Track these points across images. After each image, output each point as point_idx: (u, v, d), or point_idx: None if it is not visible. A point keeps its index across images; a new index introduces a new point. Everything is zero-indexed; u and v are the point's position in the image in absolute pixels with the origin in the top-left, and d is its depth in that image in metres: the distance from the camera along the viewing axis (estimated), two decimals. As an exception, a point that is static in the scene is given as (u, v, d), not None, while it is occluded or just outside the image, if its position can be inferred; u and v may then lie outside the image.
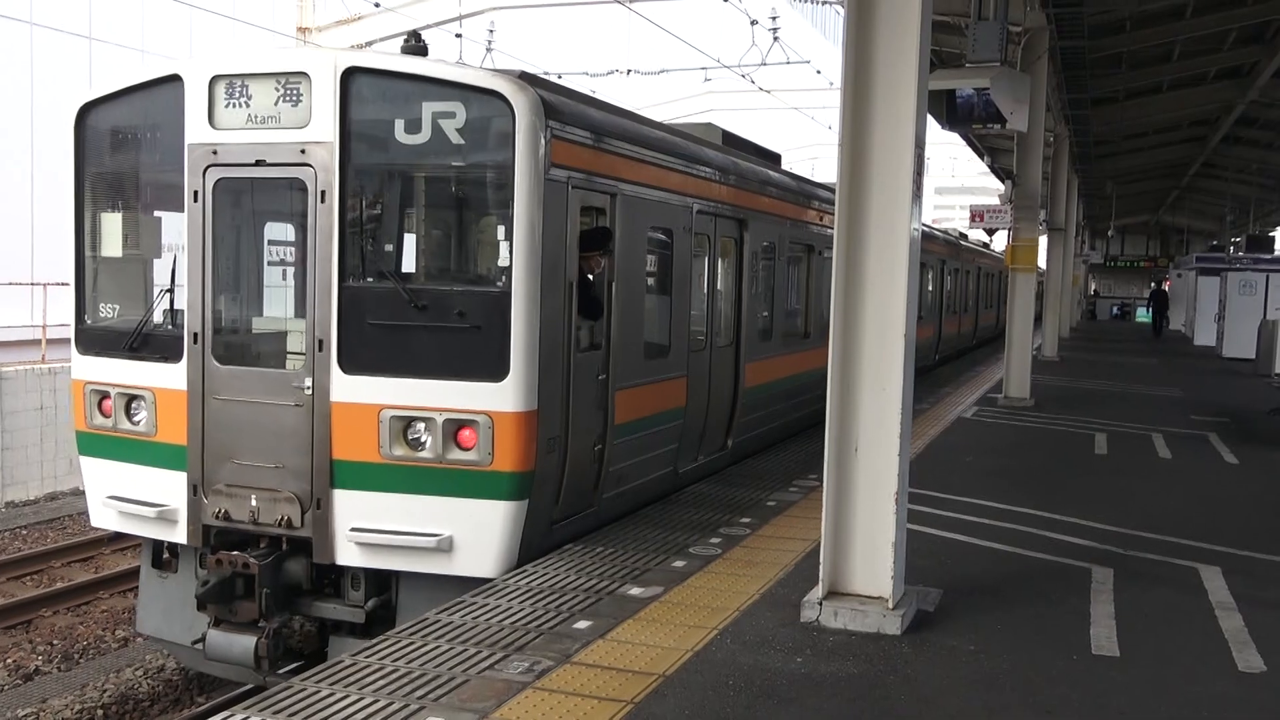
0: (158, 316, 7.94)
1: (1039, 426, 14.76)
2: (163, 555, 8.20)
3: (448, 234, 8.18)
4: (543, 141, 7.09)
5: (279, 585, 7.42)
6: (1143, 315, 48.82)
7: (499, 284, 7.17)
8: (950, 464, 11.64)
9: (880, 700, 5.24)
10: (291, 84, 7.27)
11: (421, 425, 7.09)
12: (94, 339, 8.13)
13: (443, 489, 7.11)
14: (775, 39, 21.97)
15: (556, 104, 7.44)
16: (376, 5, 22.50)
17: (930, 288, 23.74)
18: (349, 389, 7.19)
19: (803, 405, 13.19)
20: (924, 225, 28.87)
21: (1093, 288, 60.16)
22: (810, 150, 41.29)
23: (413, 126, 7.17)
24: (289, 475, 7.35)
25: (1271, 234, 44.42)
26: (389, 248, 7.83)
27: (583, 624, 6.12)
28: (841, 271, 6.19)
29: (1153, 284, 50.66)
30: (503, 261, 7.26)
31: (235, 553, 7.39)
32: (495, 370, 6.99)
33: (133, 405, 7.89)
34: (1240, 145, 32.99)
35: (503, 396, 6.98)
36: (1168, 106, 26.83)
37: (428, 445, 7.08)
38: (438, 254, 8.18)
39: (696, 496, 9.70)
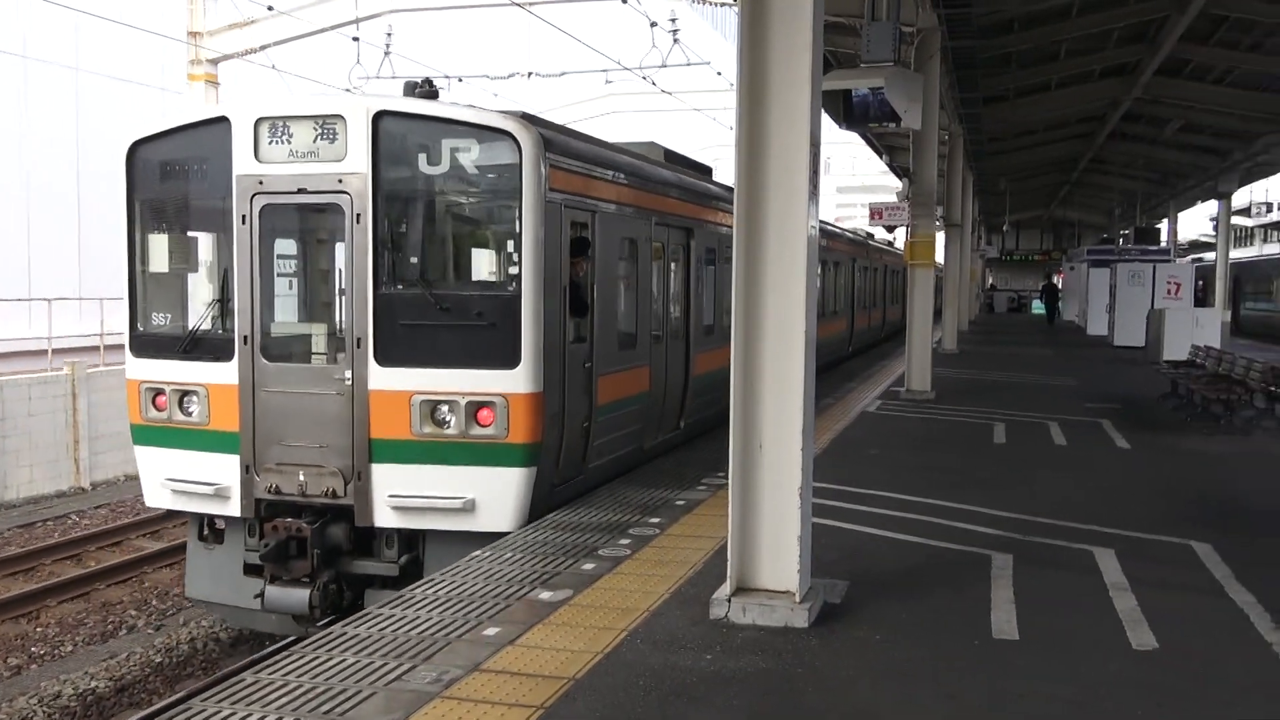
0: (207, 323, 9.18)
1: (941, 418, 15.08)
2: (207, 530, 9.48)
3: (465, 248, 9.52)
4: (542, 171, 8.58)
5: (326, 546, 8.75)
6: (1038, 307, 50.19)
7: (510, 288, 8.61)
8: (855, 458, 11.83)
9: (789, 693, 5.30)
10: (329, 124, 8.68)
11: (446, 407, 8.49)
12: (146, 344, 9.42)
13: (465, 459, 8.50)
14: (675, 41, 22.12)
15: (551, 139, 8.93)
16: (270, 9, 22.08)
17: (842, 284, 24.40)
18: (384, 379, 8.59)
19: None
20: (837, 226, 29.82)
21: (990, 281, 61.69)
22: (712, 151, 41.45)
23: (434, 159, 8.67)
24: (332, 453, 8.73)
25: (1158, 226, 45.95)
26: (415, 260, 8.97)
27: (492, 630, 6.08)
28: (741, 271, 6.25)
29: (1045, 278, 52.34)
30: (512, 270, 8.67)
31: (290, 520, 8.70)
32: (509, 359, 8.47)
33: (185, 399, 9.16)
34: (1126, 141, 34.14)
35: (515, 381, 8.45)
36: (1057, 104, 27.69)
37: (452, 423, 8.48)
38: (457, 264, 9.42)
39: (607, 497, 9.71)
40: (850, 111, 12.64)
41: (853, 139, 36.90)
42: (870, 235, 32.53)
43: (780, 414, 6.24)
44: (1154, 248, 38.14)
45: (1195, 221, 62.81)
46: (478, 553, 7.88)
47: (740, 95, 6.22)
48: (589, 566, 7.40)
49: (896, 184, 35.84)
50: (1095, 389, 19.02)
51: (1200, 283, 35.43)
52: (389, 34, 23.36)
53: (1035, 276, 56.89)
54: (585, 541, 8.10)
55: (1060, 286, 50.89)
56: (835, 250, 24.30)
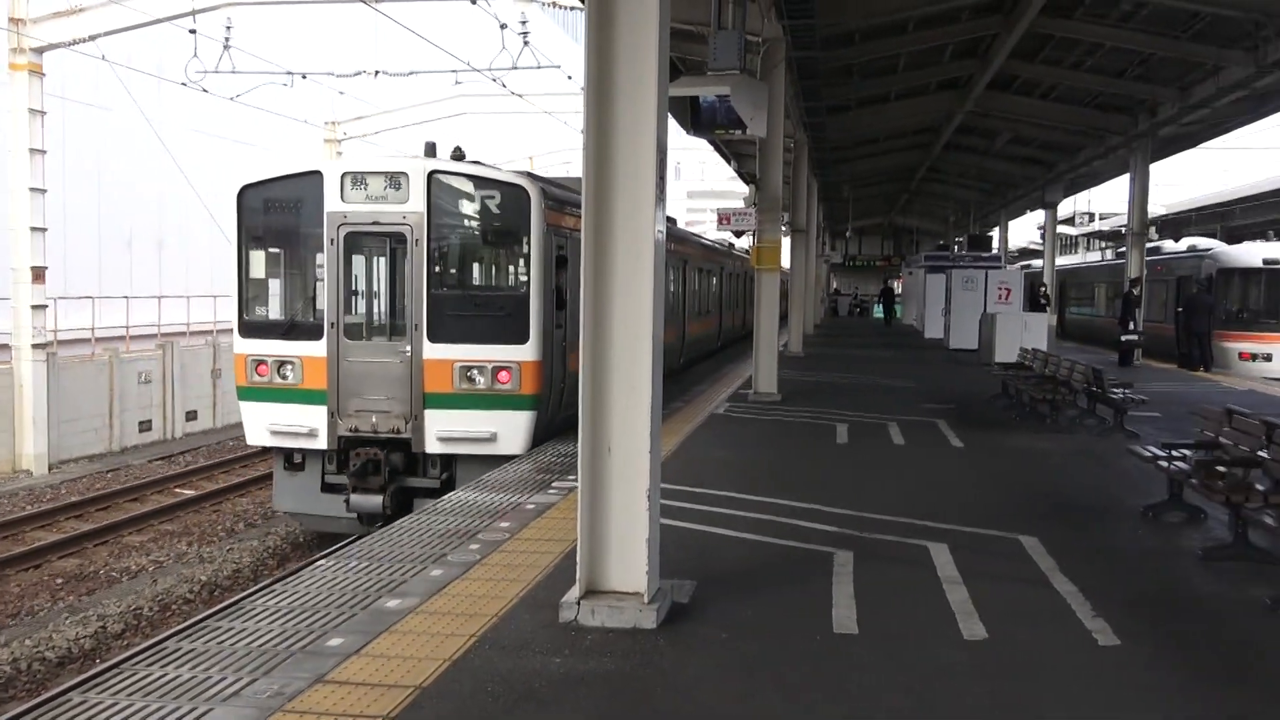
0: (301, 314, 13.16)
1: (786, 420, 15.43)
2: (293, 461, 13.22)
3: (490, 262, 13.81)
4: (543, 210, 12.74)
5: (392, 467, 12.64)
6: (879, 311, 51.77)
7: (521, 290, 12.79)
8: (702, 459, 12.02)
9: (638, 694, 5.34)
10: (396, 178, 12.60)
11: (477, 370, 12.49)
12: (249, 328, 13.19)
13: (490, 406, 12.50)
14: (526, 43, 22.04)
15: (545, 189, 13.03)
16: (100, -3, 21.08)
17: (709, 288, 25.45)
18: (434, 351, 12.52)
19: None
20: (710, 239, 30.48)
21: (834, 286, 63.27)
22: (563, 155, 41.55)
23: (469, 203, 12.91)
24: (396, 403, 12.63)
25: (989, 234, 48.01)
26: (455, 270, 13.28)
27: (336, 641, 5.95)
28: (590, 275, 6.28)
29: (884, 282, 54.15)
30: (522, 278, 12.92)
31: (368, 449, 12.62)
32: (520, 337, 12.55)
33: (283, 368, 12.84)
34: (960, 152, 35.63)
35: (524, 352, 12.49)
36: (896, 115, 28.71)
37: (481, 382, 12.48)
38: (485, 273, 13.78)
39: (455, 504, 9.61)
40: (698, 118, 12.88)
41: (703, 145, 37.45)
42: (731, 245, 33.31)
43: (628, 417, 6.29)
44: (986, 254, 39.29)
45: (1025, 230, 65.73)
46: (321, 562, 7.71)
47: (588, 99, 6.26)
48: (437, 573, 7.32)
49: (744, 190, 36.59)
50: (932, 390, 19.74)
51: (1044, 288, 36.84)
52: (228, 27, 22.61)
53: (877, 281, 58.57)
54: (432, 549, 8.00)
55: (898, 291, 52.72)
56: (689, 254, 24.89)
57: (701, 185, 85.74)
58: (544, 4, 23.96)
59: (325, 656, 5.70)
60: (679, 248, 24.58)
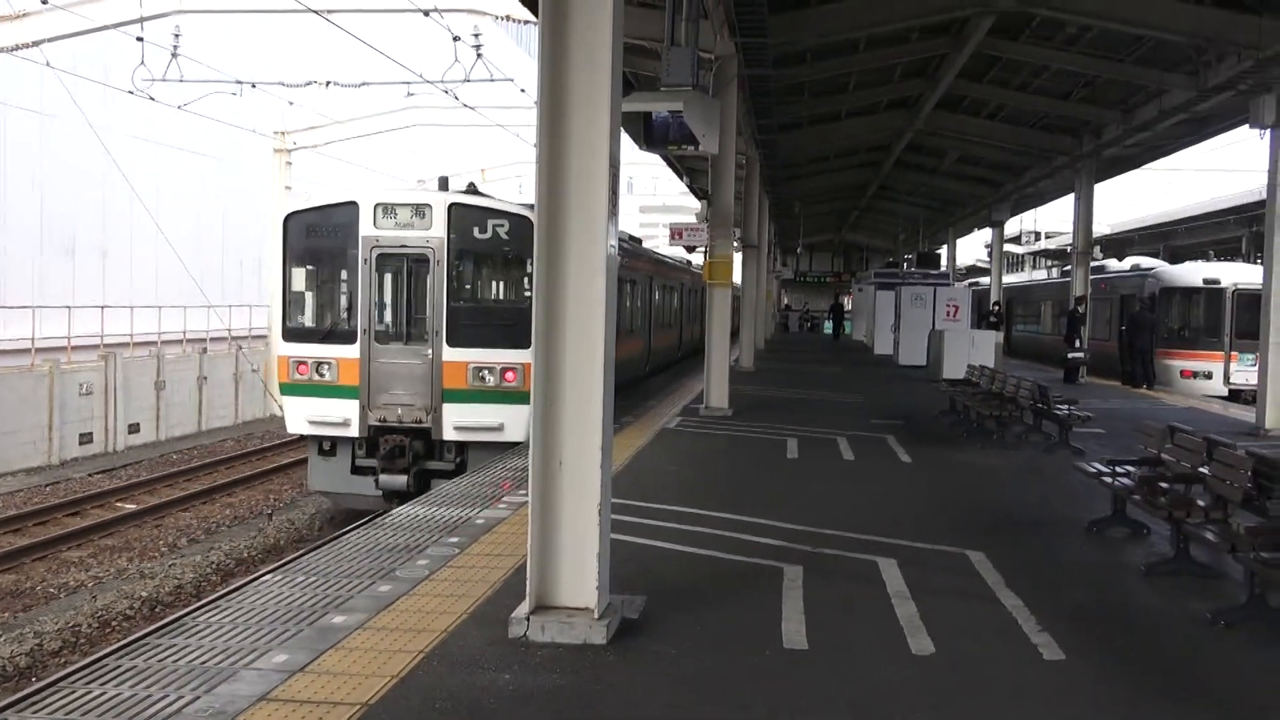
0: (337, 322, 15.16)
1: (737, 434, 15.47)
2: (325, 448, 15.23)
3: (499, 280, 15.88)
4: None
5: (414, 452, 14.66)
6: (828, 327, 52.06)
7: (525, 304, 13.36)
8: (654, 474, 12.01)
9: (588, 709, 5.31)
10: (421, 209, 14.75)
11: (487, 371, 14.56)
12: (291, 333, 15.18)
13: (497, 400, 14.54)
14: (479, 56, 21.98)
15: None
16: (44, 2, 20.75)
17: (673, 303, 27.53)
18: (452, 355, 14.61)
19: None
20: (671, 256, 30.94)
21: (785, 302, 63.52)
22: (515, 168, 41.41)
23: (482, 229, 14.69)
24: (418, 397, 14.75)
25: (938, 251, 48.53)
26: (469, 286, 15.33)
27: (280, 657, 5.86)
28: (543, 290, 6.26)
29: (834, 298, 54.50)
30: (526, 293, 14.15)
31: (395, 436, 14.65)
32: (524, 343, 12.11)
33: (321, 367, 14.82)
34: (910, 170, 36.05)
35: (527, 355, 15.47)
36: (847, 133, 28.98)
37: (489, 380, 14.55)
38: (495, 289, 15.92)
39: (405, 519, 9.53)
40: (651, 133, 12.94)
41: (655, 160, 37.57)
42: (689, 262, 33.72)
43: (580, 431, 6.27)
44: (935, 272, 39.31)
45: (972, 248, 66.51)
46: (267, 577, 7.60)
47: (541, 113, 6.25)
48: (385, 589, 7.24)
49: (696, 205, 36.81)
50: (881, 405, 19.86)
51: (996, 306, 37.30)
52: (176, 35, 22.35)
53: (827, 297, 58.80)
54: (380, 565, 7.92)
55: (848, 307, 53.08)
56: (653, 272, 25.26)
57: (654, 200, 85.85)
58: (497, 18, 23.92)
59: (269, 674, 5.61)
60: (643, 265, 25.00)
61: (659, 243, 46.59)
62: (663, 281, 28.02)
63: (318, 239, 15.14)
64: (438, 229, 14.59)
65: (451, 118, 29.93)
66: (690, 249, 24.46)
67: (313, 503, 17.82)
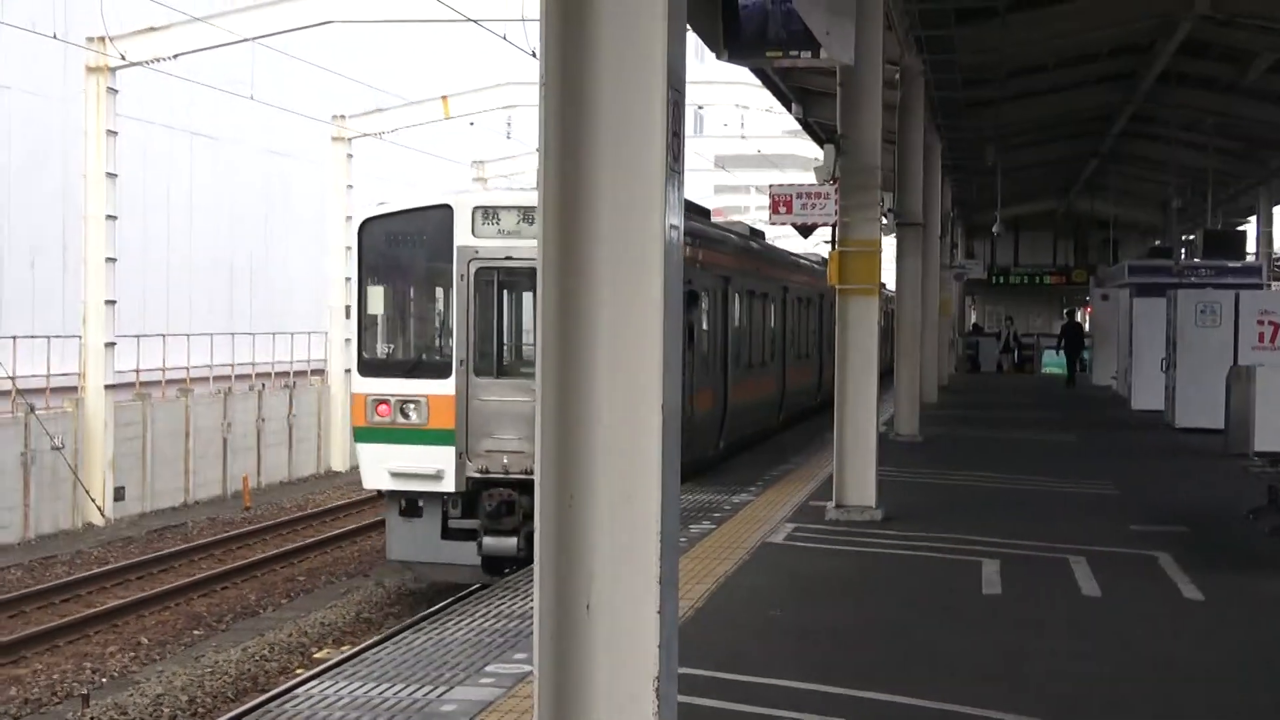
0: (428, 350, 13.04)
1: (892, 553, 10.35)
2: (409, 506, 12.53)
3: None
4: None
5: (525, 509, 11.76)
6: (1053, 363, 33.49)
7: None
8: (748, 622, 7.99)
9: None
10: (530, 212, 11.61)
11: None
12: (369, 366, 12.79)
13: None
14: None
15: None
16: None
17: (812, 324, 21.44)
18: None
19: None
20: (810, 256, 21.96)
21: (973, 318, 41.90)
22: (507, 91, 27.44)
23: None
24: (528, 442, 11.09)
25: (1241, 228, 31.27)
26: None
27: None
28: (551, 307, 3.65)
29: (1065, 314, 35.85)
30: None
31: (501, 489, 12.12)
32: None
33: (406, 407, 12.36)
34: (1187, 87, 21.60)
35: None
36: (1078, 21, 17.74)
37: None
38: None
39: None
40: (737, 31, 8.59)
41: (740, 77, 25.43)
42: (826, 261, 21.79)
43: (623, 548, 3.66)
44: (1237, 264, 25.84)
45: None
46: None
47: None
48: None
49: (815, 154, 21.45)
50: (1146, 499, 13.37)
51: None
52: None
53: (1048, 311, 39.02)
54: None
55: (1086, 326, 34.18)
56: (789, 279, 19.98)
57: (740, 147, 46.89)
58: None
59: None
60: (773, 270, 19.48)
61: (749, 218, 31.17)
62: (798, 293, 21.08)
63: (402, 250, 12.95)
64: None
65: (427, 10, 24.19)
66: (806, 230, 16.90)
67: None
